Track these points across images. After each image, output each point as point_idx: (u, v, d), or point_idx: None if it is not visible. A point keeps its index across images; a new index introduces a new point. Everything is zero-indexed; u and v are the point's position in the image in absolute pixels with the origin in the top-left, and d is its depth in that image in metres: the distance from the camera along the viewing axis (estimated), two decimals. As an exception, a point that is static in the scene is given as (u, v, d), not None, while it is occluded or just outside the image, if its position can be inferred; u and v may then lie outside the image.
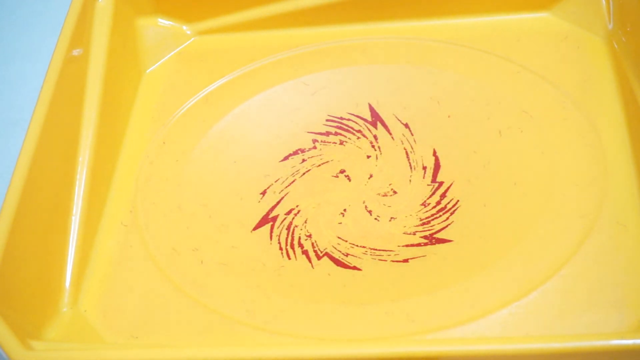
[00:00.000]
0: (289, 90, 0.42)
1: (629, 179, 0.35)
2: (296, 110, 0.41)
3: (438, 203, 0.37)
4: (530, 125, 0.38)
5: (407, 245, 0.35)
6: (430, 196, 0.37)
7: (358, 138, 0.40)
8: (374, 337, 0.32)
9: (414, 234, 0.36)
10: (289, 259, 0.36)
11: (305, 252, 0.36)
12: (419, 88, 0.41)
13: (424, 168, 0.38)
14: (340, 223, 0.37)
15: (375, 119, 0.40)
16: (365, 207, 0.37)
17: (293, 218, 0.37)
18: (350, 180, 0.38)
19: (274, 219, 0.38)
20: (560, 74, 0.40)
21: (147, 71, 0.44)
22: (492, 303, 0.32)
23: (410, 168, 0.38)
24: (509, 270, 0.33)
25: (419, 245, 0.35)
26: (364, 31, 0.44)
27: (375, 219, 0.37)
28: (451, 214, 0.36)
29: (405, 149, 0.39)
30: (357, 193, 0.38)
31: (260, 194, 0.39)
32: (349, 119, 0.41)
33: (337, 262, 0.35)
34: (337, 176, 0.39)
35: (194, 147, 0.40)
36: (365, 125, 0.40)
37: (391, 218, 0.37)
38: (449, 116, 0.39)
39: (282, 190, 0.38)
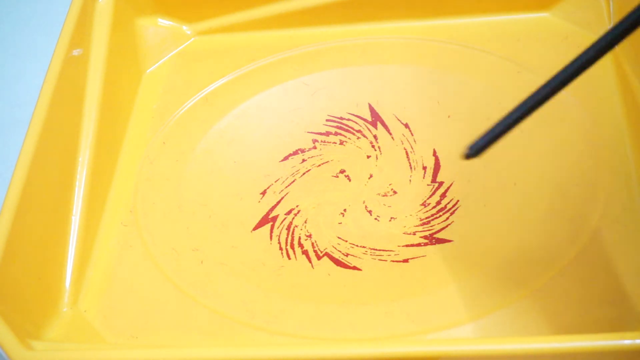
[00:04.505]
0: (289, 90, 0.42)
1: (629, 179, 0.35)
2: (296, 110, 0.41)
3: (438, 203, 0.37)
4: (531, 125, 0.38)
5: (407, 245, 0.35)
6: (430, 196, 0.37)
7: (358, 138, 0.40)
8: (374, 337, 0.32)
9: (414, 234, 0.36)
10: (289, 259, 0.36)
11: (305, 252, 0.36)
12: (419, 88, 0.41)
13: (424, 168, 0.38)
14: (340, 223, 0.37)
15: (375, 119, 0.40)
16: (365, 207, 0.37)
17: (293, 218, 0.37)
18: (350, 180, 0.38)
19: (274, 219, 0.38)
20: (560, 74, 0.40)
21: (147, 71, 0.44)
22: (492, 303, 0.32)
23: (410, 168, 0.38)
24: (509, 270, 0.33)
25: (419, 245, 0.35)
26: (364, 31, 0.44)
27: (375, 219, 0.37)
28: (451, 214, 0.36)
29: (405, 149, 0.39)
30: (357, 193, 0.38)
31: (260, 194, 0.39)
32: (349, 119, 0.41)
33: (337, 262, 0.35)
34: (337, 176, 0.39)
35: (194, 147, 0.40)
36: (365, 125, 0.40)
37: (391, 218, 0.37)
38: (449, 116, 0.39)
39: (282, 190, 0.39)
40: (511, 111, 0.27)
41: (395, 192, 0.38)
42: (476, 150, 0.28)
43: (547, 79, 0.26)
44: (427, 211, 0.37)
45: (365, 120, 0.40)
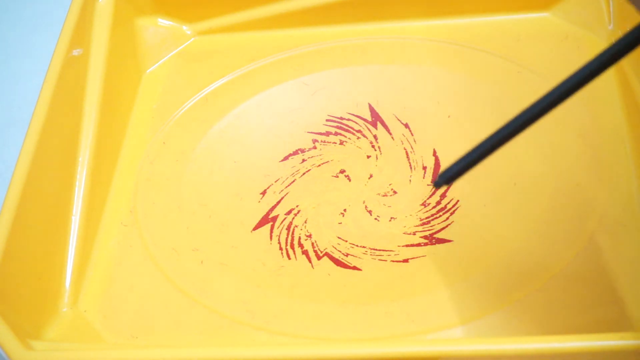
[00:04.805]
0: (289, 90, 0.42)
1: (629, 179, 0.35)
2: (296, 110, 0.41)
3: (438, 203, 0.37)
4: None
5: (407, 245, 0.35)
6: (430, 196, 0.37)
7: (358, 138, 0.40)
8: (374, 337, 0.32)
9: (414, 234, 0.36)
10: (289, 259, 0.36)
11: (305, 252, 0.36)
12: (419, 88, 0.41)
13: (424, 168, 0.38)
14: (340, 223, 0.37)
15: (375, 119, 0.40)
16: (365, 207, 0.37)
17: (293, 218, 0.37)
18: (350, 180, 0.38)
19: (274, 219, 0.38)
20: (560, 74, 0.39)
21: (147, 71, 0.44)
22: (492, 303, 0.32)
23: (410, 168, 0.38)
24: (509, 270, 0.33)
25: (419, 245, 0.35)
26: (364, 31, 0.44)
27: (375, 219, 0.37)
28: (451, 214, 0.36)
29: (405, 149, 0.39)
30: (357, 193, 0.38)
31: (260, 194, 0.39)
32: (349, 119, 0.41)
33: (337, 262, 0.35)
34: (337, 176, 0.39)
35: (194, 147, 0.40)
36: (365, 125, 0.40)
37: (391, 218, 0.37)
38: (449, 116, 0.39)
39: (282, 190, 0.38)
40: (489, 136, 0.24)
41: (395, 192, 0.38)
42: (447, 178, 0.25)
43: (525, 108, 0.24)
44: (427, 211, 0.37)
45: (365, 120, 0.40)
